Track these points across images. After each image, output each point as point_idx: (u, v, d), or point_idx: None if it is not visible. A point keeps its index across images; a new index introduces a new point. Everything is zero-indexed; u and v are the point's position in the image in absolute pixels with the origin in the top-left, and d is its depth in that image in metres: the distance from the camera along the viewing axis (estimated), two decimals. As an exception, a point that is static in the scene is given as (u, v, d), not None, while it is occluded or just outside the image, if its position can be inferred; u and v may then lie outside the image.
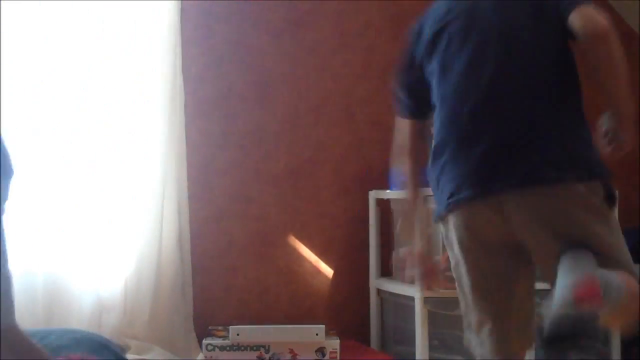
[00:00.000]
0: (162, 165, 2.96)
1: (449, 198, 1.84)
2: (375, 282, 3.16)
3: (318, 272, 3.24)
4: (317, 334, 2.80)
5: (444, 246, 2.73)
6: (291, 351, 2.78)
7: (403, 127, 2.01)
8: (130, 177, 2.92)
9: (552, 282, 1.67)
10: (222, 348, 2.77)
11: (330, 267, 3.26)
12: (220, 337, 2.84)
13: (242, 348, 2.77)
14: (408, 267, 2.07)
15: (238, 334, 2.78)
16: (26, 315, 2.74)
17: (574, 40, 1.83)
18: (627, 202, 3.22)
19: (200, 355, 2.80)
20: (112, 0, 2.91)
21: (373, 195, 3.20)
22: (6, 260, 1.87)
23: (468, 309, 1.90)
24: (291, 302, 3.20)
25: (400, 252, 3.01)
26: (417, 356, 2.77)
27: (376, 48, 3.36)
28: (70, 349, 2.29)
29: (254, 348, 2.77)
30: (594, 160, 1.81)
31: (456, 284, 1.94)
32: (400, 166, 2.05)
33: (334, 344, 2.81)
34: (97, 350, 2.36)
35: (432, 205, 2.75)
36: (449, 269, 2.72)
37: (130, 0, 2.93)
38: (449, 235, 1.90)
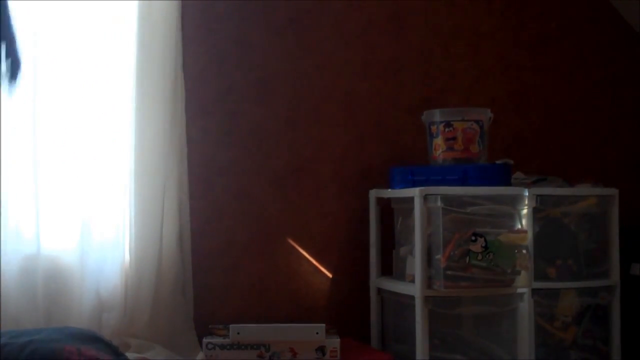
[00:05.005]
0: (162, 164, 2.95)
1: None
2: (376, 281, 3.16)
3: (318, 271, 3.24)
4: (317, 333, 2.80)
5: (444, 245, 2.75)
6: (291, 350, 2.79)
7: None
8: (131, 176, 2.91)
9: None
10: (223, 347, 2.77)
11: (331, 265, 3.26)
12: (220, 335, 2.84)
13: (243, 347, 2.78)
14: None
15: (238, 333, 2.78)
16: (26, 315, 2.74)
17: None
18: (628, 201, 3.23)
19: (201, 354, 2.80)
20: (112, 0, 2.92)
21: (373, 193, 3.20)
22: None
23: None
24: (291, 300, 3.20)
25: (401, 252, 3.03)
26: (418, 355, 2.77)
27: (377, 47, 3.36)
28: (63, 342, 2.28)
29: (254, 347, 2.78)
30: None
31: None
32: None
33: (334, 342, 2.81)
34: (90, 342, 2.35)
35: (432, 204, 2.78)
36: (449, 268, 2.74)
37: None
38: None
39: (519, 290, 2.89)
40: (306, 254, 3.23)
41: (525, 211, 2.89)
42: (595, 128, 3.66)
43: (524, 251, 2.81)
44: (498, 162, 3.00)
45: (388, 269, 3.18)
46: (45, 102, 2.83)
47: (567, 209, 3.08)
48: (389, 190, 3.10)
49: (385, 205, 3.18)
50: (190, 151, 3.07)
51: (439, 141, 3.03)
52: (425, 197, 2.81)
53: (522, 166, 3.29)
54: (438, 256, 2.77)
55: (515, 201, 2.88)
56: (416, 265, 2.80)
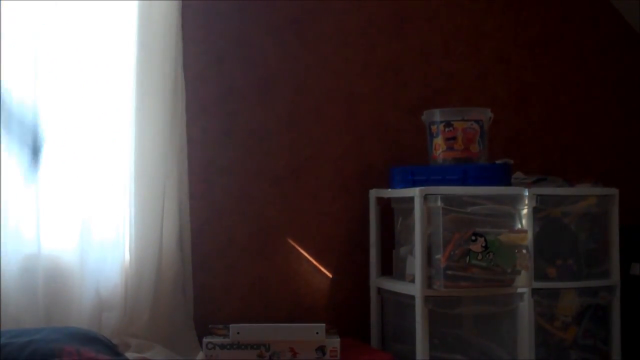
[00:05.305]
0: (162, 164, 2.95)
1: None
2: (376, 280, 3.16)
3: (318, 270, 3.24)
4: (317, 333, 2.80)
5: (444, 245, 2.75)
6: (291, 350, 2.79)
7: None
8: (131, 176, 2.91)
9: None
10: (223, 347, 2.77)
11: (331, 265, 3.26)
12: (220, 335, 2.84)
13: (243, 347, 2.78)
14: None
15: (238, 333, 2.78)
16: (26, 315, 2.74)
17: None
18: (627, 201, 3.22)
19: (201, 354, 2.80)
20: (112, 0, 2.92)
21: (373, 193, 3.20)
22: None
23: None
24: (291, 300, 3.20)
25: (401, 252, 3.03)
26: (418, 355, 2.77)
27: (377, 47, 3.36)
28: (63, 343, 2.28)
29: (254, 347, 2.78)
30: None
31: None
32: None
33: (334, 342, 2.81)
34: (89, 343, 2.36)
35: (432, 204, 2.78)
36: (449, 268, 2.74)
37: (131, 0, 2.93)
38: None
39: (519, 290, 2.89)
40: (306, 254, 3.23)
41: (525, 211, 2.89)
42: (595, 128, 3.66)
43: (524, 251, 2.81)
44: (498, 162, 3.00)
45: (388, 269, 3.18)
46: (45, 102, 2.83)
47: (567, 209, 3.08)
48: (389, 190, 3.10)
49: (385, 205, 3.18)
50: (190, 151, 3.07)
51: (439, 141, 3.03)
52: (425, 197, 2.81)
53: (522, 166, 3.29)
54: (438, 256, 2.77)
55: (515, 201, 2.88)
56: (416, 265, 2.80)
